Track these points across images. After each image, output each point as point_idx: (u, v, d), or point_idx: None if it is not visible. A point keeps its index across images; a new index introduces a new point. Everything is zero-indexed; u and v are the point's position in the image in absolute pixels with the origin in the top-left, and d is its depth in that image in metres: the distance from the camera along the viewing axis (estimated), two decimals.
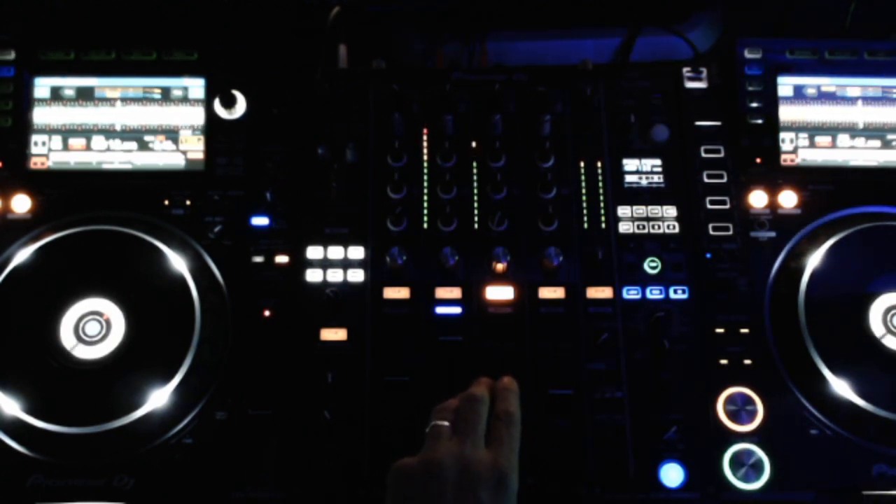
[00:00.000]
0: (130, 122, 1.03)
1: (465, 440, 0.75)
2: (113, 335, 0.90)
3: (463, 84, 1.05)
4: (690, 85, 1.06)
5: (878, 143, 1.04)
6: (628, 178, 1.01)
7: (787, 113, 1.04)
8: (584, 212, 0.99)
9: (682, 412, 0.90)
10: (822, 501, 0.88)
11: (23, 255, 0.92)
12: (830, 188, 1.01)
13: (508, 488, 0.73)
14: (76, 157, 1.02)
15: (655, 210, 0.99)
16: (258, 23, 1.26)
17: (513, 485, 0.74)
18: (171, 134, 1.03)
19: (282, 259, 0.97)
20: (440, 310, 0.94)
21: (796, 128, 1.04)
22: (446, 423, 0.78)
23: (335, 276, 0.96)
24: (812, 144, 1.04)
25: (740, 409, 0.91)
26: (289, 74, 1.05)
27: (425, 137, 1.03)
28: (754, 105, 1.03)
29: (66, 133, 1.02)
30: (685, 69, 1.06)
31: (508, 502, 0.73)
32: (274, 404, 0.91)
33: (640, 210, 0.99)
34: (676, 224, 0.99)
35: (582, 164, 1.01)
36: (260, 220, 0.99)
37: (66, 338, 0.89)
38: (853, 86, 1.04)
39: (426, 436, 0.78)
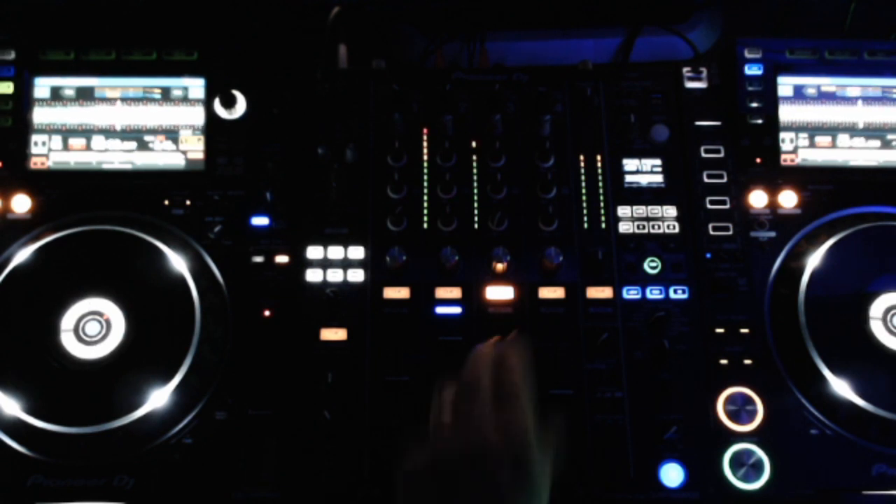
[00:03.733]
0: (130, 122, 1.03)
1: (468, 430, 0.72)
2: (113, 335, 0.90)
3: (463, 84, 1.05)
4: (690, 85, 1.05)
5: (878, 143, 1.04)
6: (628, 178, 1.01)
7: (787, 113, 1.04)
8: (584, 212, 0.99)
9: (682, 412, 0.90)
10: (823, 501, 0.88)
11: (23, 255, 0.92)
12: (830, 188, 1.01)
13: (527, 464, 0.69)
14: (76, 157, 1.02)
15: (655, 210, 0.99)
16: (258, 23, 1.26)
17: (531, 459, 0.69)
18: (171, 134, 1.03)
19: (282, 259, 0.97)
20: (440, 310, 0.94)
21: (796, 128, 1.04)
22: (448, 419, 0.75)
23: (335, 276, 0.96)
24: (812, 144, 1.04)
25: (740, 409, 0.91)
26: (289, 74, 1.05)
27: (425, 137, 1.03)
28: (754, 105, 1.03)
29: (66, 133, 1.02)
30: (685, 69, 1.06)
31: (530, 478, 0.69)
32: (274, 404, 0.91)
33: (640, 210, 0.99)
34: (676, 224, 0.99)
35: (582, 164, 1.01)
36: (260, 220, 0.99)
37: (67, 337, 0.89)
38: (853, 86, 1.04)
39: (430, 433, 0.76)
